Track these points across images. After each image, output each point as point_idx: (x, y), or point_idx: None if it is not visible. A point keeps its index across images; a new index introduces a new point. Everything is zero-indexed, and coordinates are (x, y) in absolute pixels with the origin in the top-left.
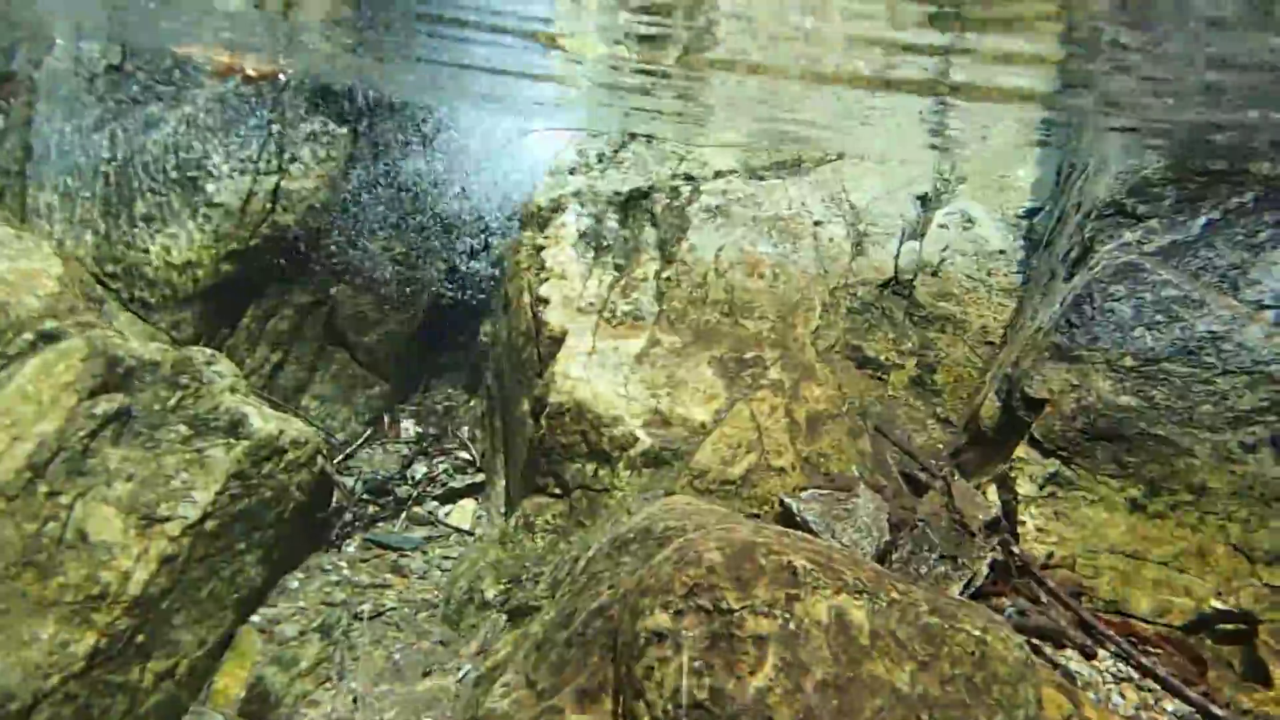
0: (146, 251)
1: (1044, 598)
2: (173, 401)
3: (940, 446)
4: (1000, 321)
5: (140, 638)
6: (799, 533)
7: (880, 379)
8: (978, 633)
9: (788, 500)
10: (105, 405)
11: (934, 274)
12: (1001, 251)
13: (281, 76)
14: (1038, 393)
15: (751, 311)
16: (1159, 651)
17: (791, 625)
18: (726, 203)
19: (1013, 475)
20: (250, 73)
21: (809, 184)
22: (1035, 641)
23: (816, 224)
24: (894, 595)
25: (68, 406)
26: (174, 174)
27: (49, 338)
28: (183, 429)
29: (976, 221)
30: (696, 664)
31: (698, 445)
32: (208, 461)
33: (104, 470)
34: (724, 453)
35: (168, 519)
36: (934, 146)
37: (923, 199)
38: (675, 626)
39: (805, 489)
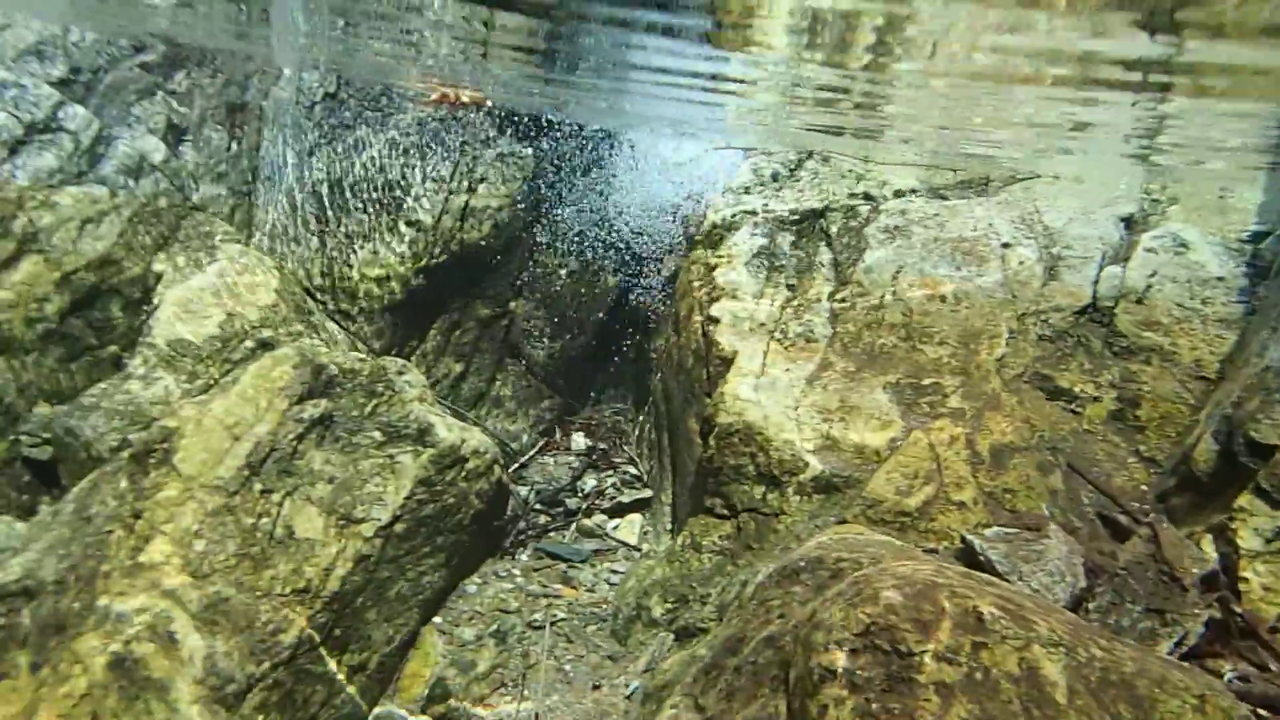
0: (350, 266)
1: (1272, 664)
2: (369, 408)
3: (1143, 488)
4: (1216, 355)
5: (337, 632)
6: (984, 575)
7: (1074, 412)
8: (1194, 699)
9: (970, 537)
10: (311, 410)
11: (1139, 301)
12: (1220, 279)
13: (489, 103)
14: (1266, 438)
15: (931, 336)
16: None
17: (978, 675)
18: (906, 223)
19: (1234, 526)
20: (464, 99)
21: (997, 204)
22: (1262, 713)
23: (1005, 246)
24: (1094, 650)
25: (280, 410)
26: (377, 193)
27: (266, 345)
28: (377, 435)
29: (1190, 245)
30: (874, 706)
31: (871, 473)
32: (398, 467)
33: (309, 471)
34: (899, 482)
35: (362, 520)
36: (1140, 163)
37: (1127, 220)
38: (850, 665)
39: (989, 526)
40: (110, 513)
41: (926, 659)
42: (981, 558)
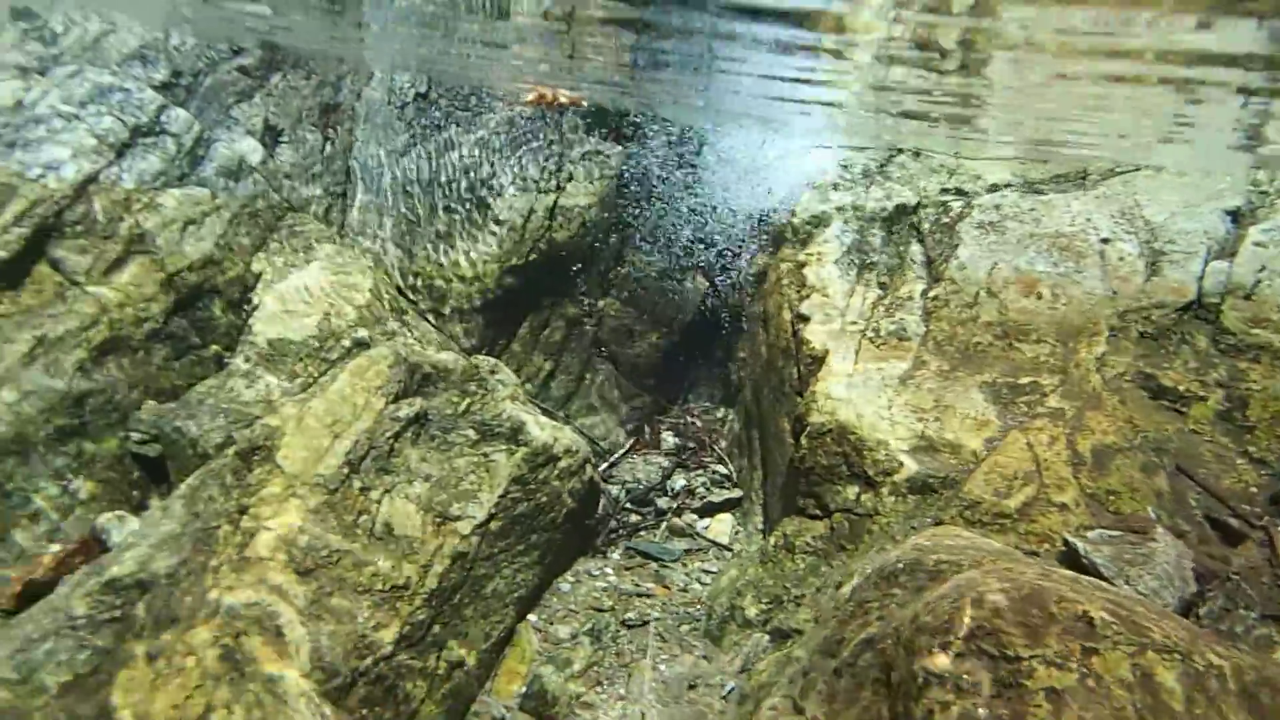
0: (441, 265)
1: None
2: (462, 407)
3: (1254, 490)
4: None
5: (436, 628)
6: (1091, 579)
7: (1179, 411)
8: None
9: (1072, 540)
10: (407, 409)
11: (1247, 297)
12: None
13: (585, 103)
14: None
15: (1028, 334)
16: None
17: (1090, 681)
18: (1000, 218)
19: None
20: (562, 100)
21: (1095, 198)
22: None
23: (1104, 241)
24: (1212, 658)
25: (377, 409)
26: (467, 193)
27: (361, 344)
28: (471, 433)
29: None
30: (981, 711)
31: (968, 474)
32: (492, 465)
33: (405, 469)
34: (998, 483)
35: (459, 518)
36: (1248, 154)
37: (1233, 214)
38: (956, 670)
39: (1091, 528)
40: (217, 508)
41: (1036, 664)
42: (1085, 561)
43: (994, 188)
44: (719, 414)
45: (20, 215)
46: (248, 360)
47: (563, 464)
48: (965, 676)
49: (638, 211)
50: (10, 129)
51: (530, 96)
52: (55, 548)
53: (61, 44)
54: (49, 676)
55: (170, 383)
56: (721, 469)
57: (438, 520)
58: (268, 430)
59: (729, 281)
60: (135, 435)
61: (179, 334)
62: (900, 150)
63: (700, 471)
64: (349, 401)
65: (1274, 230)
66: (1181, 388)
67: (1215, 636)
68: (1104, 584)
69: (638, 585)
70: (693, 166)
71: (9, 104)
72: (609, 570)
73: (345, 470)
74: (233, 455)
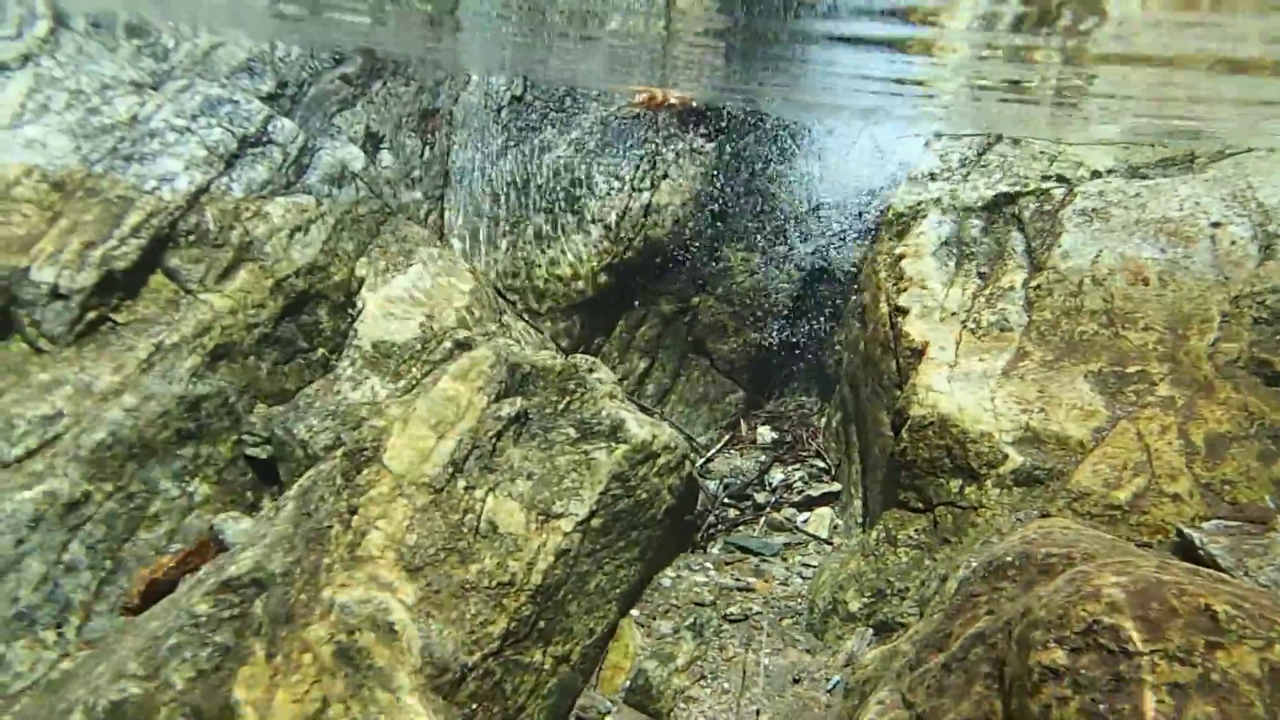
0: (539, 266)
1: None
2: (562, 405)
3: None
4: None
5: (541, 624)
6: (1209, 570)
7: None
8: None
9: (1188, 531)
10: (508, 408)
11: None
12: None
13: (693, 103)
14: None
15: (1135, 322)
16: None
17: (1214, 676)
18: (1104, 205)
19: None
20: (672, 100)
21: (1204, 181)
22: None
23: (1214, 225)
24: None
25: (479, 409)
26: (563, 193)
27: (462, 345)
28: (571, 432)
29: None
30: (1101, 706)
31: (1075, 465)
32: (592, 463)
33: (508, 468)
34: (1106, 474)
35: (561, 515)
36: None
37: None
38: (1073, 664)
39: (1207, 519)
40: (328, 509)
41: (1157, 659)
42: (1201, 552)
43: (1097, 174)
44: (816, 408)
45: (137, 227)
46: (353, 363)
47: (662, 460)
48: (1083, 671)
49: (733, 207)
50: (126, 143)
51: (641, 98)
52: (176, 547)
53: (173, 59)
54: (175, 673)
55: (279, 386)
56: (819, 463)
57: (541, 518)
58: (374, 431)
59: (826, 274)
60: (248, 438)
61: (287, 338)
62: (1000, 138)
63: (798, 465)
64: (452, 402)
65: None
66: None
67: None
68: (1224, 576)
69: (738, 580)
70: (788, 160)
71: (125, 119)
72: (709, 565)
73: (450, 469)
74: (341, 456)
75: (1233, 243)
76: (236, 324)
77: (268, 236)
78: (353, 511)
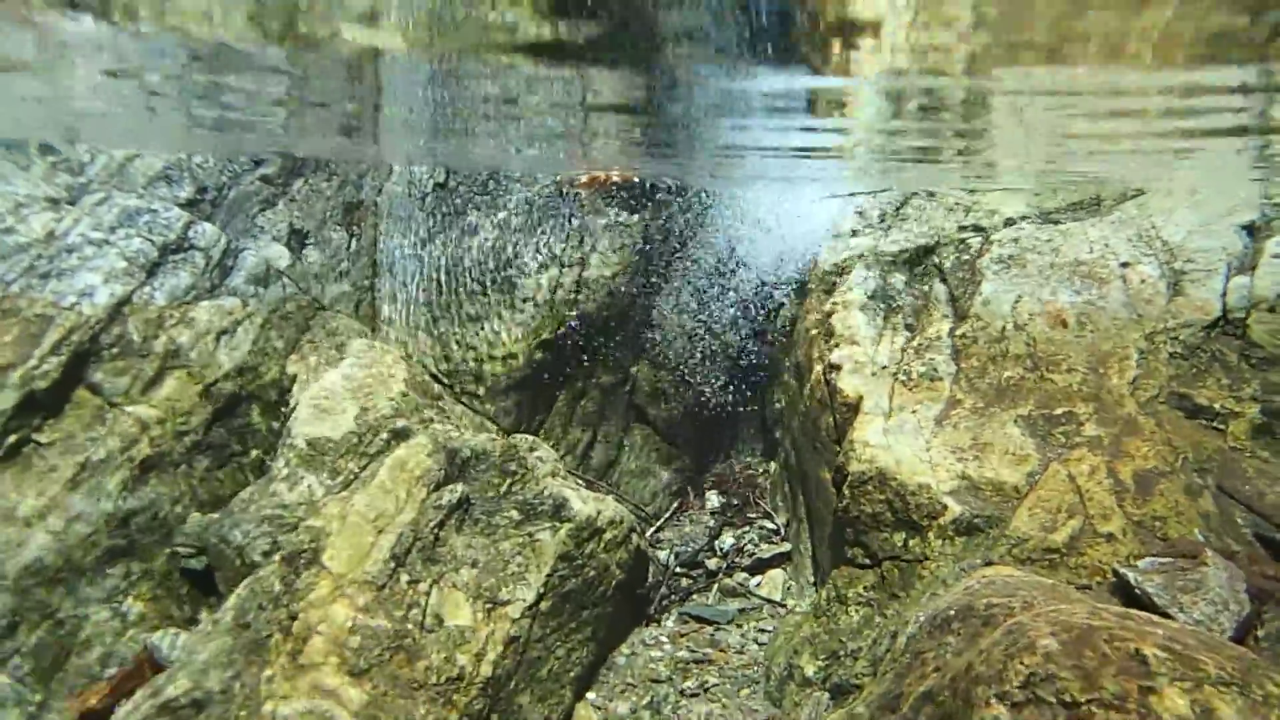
0: (473, 347)
1: None
2: (504, 488)
3: None
4: None
5: (494, 717)
6: (1142, 613)
7: (1217, 429)
8: None
9: (1123, 571)
10: (449, 496)
11: (1271, 310)
12: None
13: (635, 179)
14: None
15: (1058, 364)
16: None
17: None
18: (1020, 251)
19: None
20: (615, 179)
21: (1111, 223)
22: None
23: (1124, 265)
24: (1271, 688)
25: (419, 499)
26: (493, 274)
27: (400, 435)
28: (514, 514)
29: None
30: None
31: (1012, 511)
32: (538, 545)
33: (452, 558)
34: (1042, 518)
35: (509, 602)
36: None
37: (1249, 228)
38: (1014, 719)
39: (1142, 557)
40: (267, 617)
41: (1094, 708)
42: (1138, 591)
43: (1010, 221)
44: (761, 467)
45: (57, 344)
46: (288, 463)
47: (608, 536)
48: None
49: (663, 275)
50: (44, 260)
51: (584, 179)
52: (111, 672)
53: (89, 172)
54: None
55: (214, 492)
56: (768, 523)
57: (488, 606)
58: (312, 532)
59: (760, 334)
60: (182, 549)
61: (219, 443)
62: (915, 193)
63: (747, 528)
64: (391, 495)
65: None
66: (1217, 405)
67: (1274, 661)
68: (1155, 618)
69: (694, 651)
70: (712, 226)
71: (41, 236)
72: (664, 638)
73: (392, 565)
74: (279, 561)
75: (1143, 281)
76: (165, 433)
77: (194, 342)
78: (293, 618)
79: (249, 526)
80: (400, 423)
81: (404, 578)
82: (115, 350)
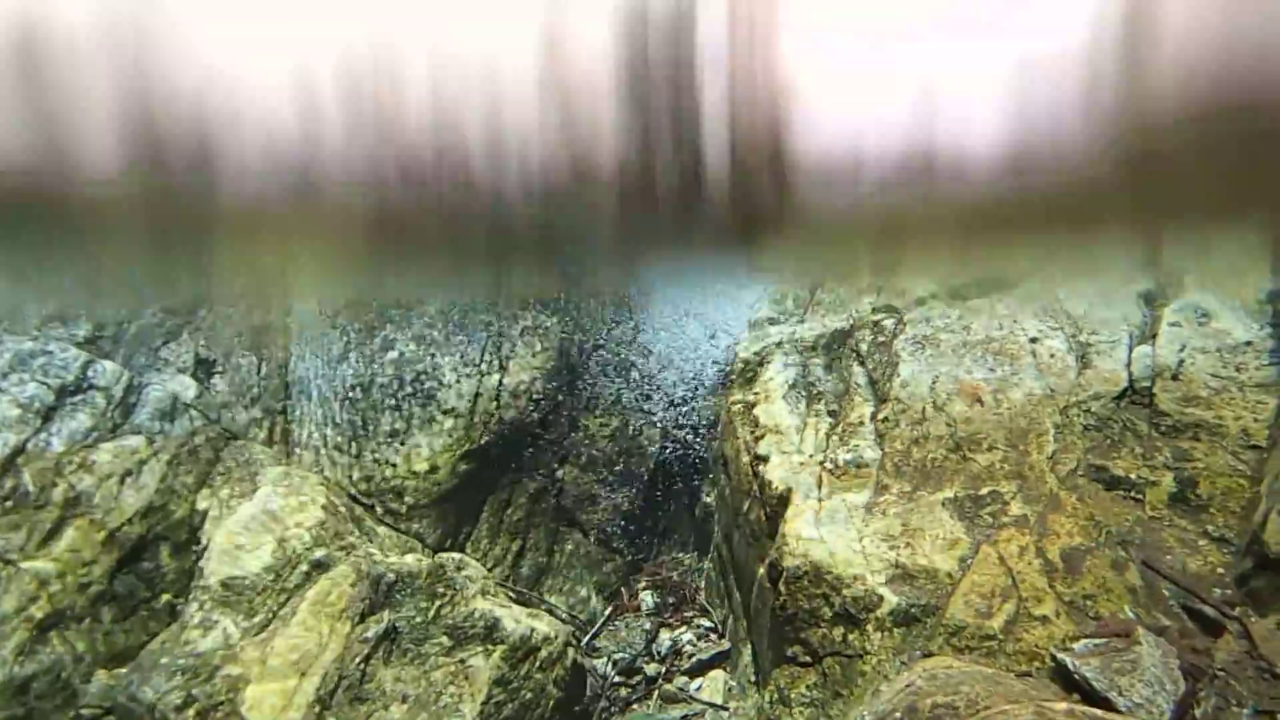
0: (394, 464)
1: None
2: (432, 612)
3: (1220, 571)
4: (1261, 421)
5: None
6: (1086, 708)
7: (1135, 499)
8: None
9: (1060, 656)
10: (375, 628)
11: (1174, 377)
12: (1248, 343)
13: None
14: None
15: (979, 444)
16: None
17: None
18: (933, 331)
19: None
20: None
21: (1016, 299)
22: None
23: (1033, 340)
24: None
25: (344, 633)
26: (410, 388)
27: (320, 566)
28: (444, 640)
29: (1212, 314)
30: None
31: (948, 597)
32: (470, 671)
33: (382, 694)
34: (977, 604)
35: None
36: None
37: (1147, 297)
38: None
39: (1077, 638)
40: None
41: None
42: (1076, 676)
43: (921, 300)
44: (695, 563)
45: None
46: (201, 606)
47: (543, 654)
48: None
49: (583, 376)
50: None
51: None
52: None
53: None
54: None
55: (121, 645)
56: (705, 621)
57: None
58: (229, 681)
59: (685, 429)
60: (86, 712)
61: (126, 591)
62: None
63: (684, 627)
64: (314, 632)
65: (1185, 308)
66: (1133, 475)
67: None
68: (1097, 712)
69: None
70: (629, 324)
71: None
72: None
73: (318, 709)
74: (193, 716)
75: (1052, 355)
76: (66, 588)
77: (96, 487)
78: None
79: (160, 681)
80: (320, 553)
81: None
82: (9, 504)
